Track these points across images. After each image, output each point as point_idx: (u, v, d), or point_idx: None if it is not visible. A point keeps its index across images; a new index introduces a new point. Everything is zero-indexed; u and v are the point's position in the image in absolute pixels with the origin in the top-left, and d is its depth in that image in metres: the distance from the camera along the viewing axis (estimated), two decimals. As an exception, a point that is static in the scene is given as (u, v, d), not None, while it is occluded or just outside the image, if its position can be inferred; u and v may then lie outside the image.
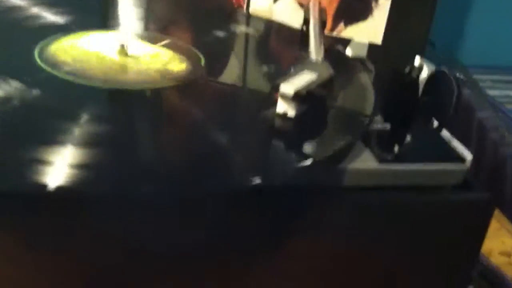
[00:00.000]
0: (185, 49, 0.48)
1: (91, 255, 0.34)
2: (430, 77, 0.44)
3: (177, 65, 0.44)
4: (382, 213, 0.37)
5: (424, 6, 0.64)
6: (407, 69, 0.43)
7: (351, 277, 0.39)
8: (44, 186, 0.29)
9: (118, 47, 0.44)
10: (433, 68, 0.44)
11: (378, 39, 0.65)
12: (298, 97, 0.37)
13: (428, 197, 0.37)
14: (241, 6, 0.68)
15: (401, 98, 0.43)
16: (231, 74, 0.47)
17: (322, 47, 0.45)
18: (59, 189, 0.29)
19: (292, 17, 0.65)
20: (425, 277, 0.40)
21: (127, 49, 0.44)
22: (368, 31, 0.65)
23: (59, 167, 0.31)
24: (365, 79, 0.45)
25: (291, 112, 0.37)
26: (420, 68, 0.43)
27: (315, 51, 0.44)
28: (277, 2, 0.67)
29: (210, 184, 0.32)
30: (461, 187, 0.38)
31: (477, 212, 0.38)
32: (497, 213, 0.62)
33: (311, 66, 0.41)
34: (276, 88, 0.37)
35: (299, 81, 0.38)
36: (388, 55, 0.64)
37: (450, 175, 0.38)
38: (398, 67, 0.44)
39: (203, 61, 0.45)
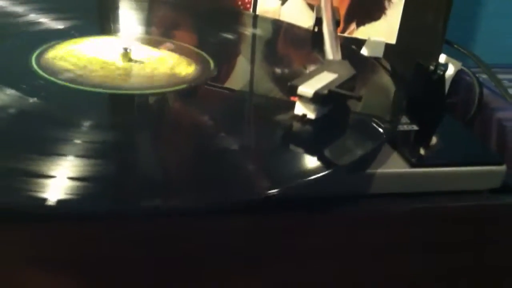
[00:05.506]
0: (191, 52, 0.45)
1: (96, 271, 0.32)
2: (456, 75, 0.42)
3: (185, 68, 0.41)
4: (414, 221, 0.34)
5: (440, 5, 0.61)
6: (432, 67, 0.40)
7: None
8: (44, 201, 0.27)
9: (121, 52, 0.41)
10: (459, 65, 0.41)
11: (392, 39, 0.62)
12: (318, 98, 0.33)
13: (464, 202, 0.34)
14: (246, 8, 0.65)
15: (427, 97, 0.40)
16: (242, 76, 0.44)
17: (339, 46, 0.42)
18: (61, 203, 0.27)
19: (301, 19, 0.62)
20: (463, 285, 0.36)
21: (130, 54, 0.41)
22: (382, 31, 0.62)
23: (60, 180, 0.28)
24: (386, 78, 0.42)
25: (311, 115, 0.34)
26: (445, 65, 0.40)
27: (331, 50, 0.40)
28: (285, 4, 0.64)
29: (225, 195, 0.29)
30: (500, 190, 0.35)
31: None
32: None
33: (330, 65, 0.37)
34: (292, 89, 0.34)
35: (318, 81, 0.35)
36: (404, 55, 0.61)
37: (488, 178, 0.35)
38: (421, 65, 0.41)
39: (212, 64, 0.42)
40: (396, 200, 0.34)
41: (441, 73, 0.39)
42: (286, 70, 0.44)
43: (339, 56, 0.40)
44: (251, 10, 0.64)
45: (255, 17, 0.61)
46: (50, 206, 0.27)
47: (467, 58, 0.71)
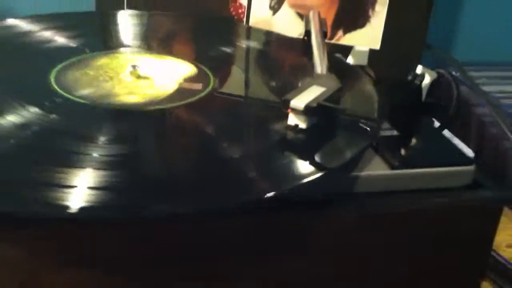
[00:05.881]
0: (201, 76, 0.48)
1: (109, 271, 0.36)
2: (432, 83, 0.46)
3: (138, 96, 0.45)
4: (394, 217, 0.39)
5: (420, 11, 0.66)
6: (409, 77, 0.45)
7: (364, 277, 0.40)
8: (65, 208, 0.31)
9: (130, 69, 0.45)
10: (434, 75, 0.46)
11: (376, 45, 0.66)
12: (308, 110, 0.38)
13: (439, 198, 0.39)
14: (240, 18, 0.69)
15: (406, 104, 0.45)
16: (240, 89, 0.48)
17: (326, 59, 0.47)
18: (80, 210, 0.31)
19: (292, 28, 0.67)
20: (438, 275, 0.41)
21: (139, 70, 0.45)
22: (367, 38, 0.66)
23: (79, 189, 0.33)
24: (370, 87, 0.46)
25: (302, 125, 0.39)
26: (422, 76, 0.45)
27: (319, 64, 0.45)
28: (276, 14, 0.68)
29: (226, 198, 0.33)
30: (471, 186, 0.40)
31: (487, 209, 0.40)
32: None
33: (319, 79, 0.42)
34: (286, 103, 0.38)
35: (308, 95, 0.39)
36: (387, 60, 0.66)
37: (459, 176, 0.40)
38: (400, 75, 0.46)
39: (211, 83, 0.46)
40: (379, 198, 0.39)
41: (418, 83, 0.44)
42: (280, 83, 0.48)
43: (326, 69, 0.45)
44: (244, 19, 0.69)
45: (249, 28, 0.66)
46: (72, 213, 0.31)
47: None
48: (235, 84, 0.49)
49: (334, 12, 0.67)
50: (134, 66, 0.45)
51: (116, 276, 0.37)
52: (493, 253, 0.54)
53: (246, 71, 0.52)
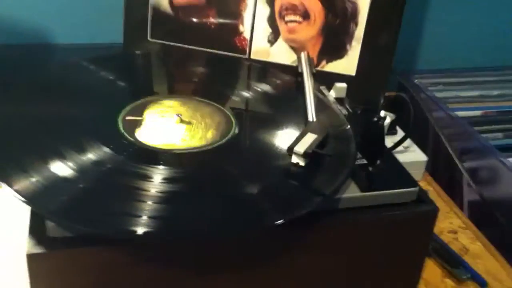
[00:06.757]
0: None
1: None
2: (392, 122, 0.64)
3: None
4: (363, 224, 0.58)
5: (388, 47, 0.83)
6: (375, 119, 0.63)
7: (340, 271, 0.59)
8: (133, 232, 0.45)
9: (175, 117, 0.62)
10: (393, 116, 0.64)
11: (352, 72, 0.84)
12: (305, 155, 0.56)
13: (393, 211, 0.58)
14: (243, 48, 0.87)
15: (372, 140, 0.63)
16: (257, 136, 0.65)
17: (315, 105, 0.64)
18: (145, 234, 0.45)
19: (286, 57, 0.85)
20: (393, 258, 0.60)
21: (182, 117, 0.62)
22: (345, 66, 0.84)
23: (143, 217, 0.46)
24: (348, 128, 0.64)
25: (302, 163, 0.57)
26: (384, 118, 0.63)
27: (310, 112, 0.63)
28: (273, 46, 0.85)
29: (247, 221, 0.51)
30: (416, 201, 0.59)
31: (426, 217, 0.59)
32: (447, 198, 0.83)
33: (312, 126, 0.60)
34: (290, 150, 0.57)
35: (305, 141, 0.57)
36: (361, 83, 0.84)
37: (407, 195, 0.58)
38: (368, 116, 0.64)
39: (233, 129, 0.64)
40: (351, 212, 0.57)
41: (381, 123, 0.62)
42: (286, 127, 0.65)
43: (315, 116, 0.62)
44: (247, 49, 0.86)
45: (251, 62, 0.83)
46: (138, 235, 0.45)
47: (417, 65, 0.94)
48: (252, 129, 0.65)
49: (319, 45, 0.85)
50: (178, 115, 0.62)
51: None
52: (436, 238, 0.73)
53: (262, 116, 0.68)
